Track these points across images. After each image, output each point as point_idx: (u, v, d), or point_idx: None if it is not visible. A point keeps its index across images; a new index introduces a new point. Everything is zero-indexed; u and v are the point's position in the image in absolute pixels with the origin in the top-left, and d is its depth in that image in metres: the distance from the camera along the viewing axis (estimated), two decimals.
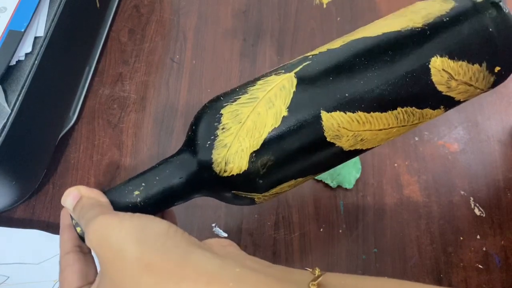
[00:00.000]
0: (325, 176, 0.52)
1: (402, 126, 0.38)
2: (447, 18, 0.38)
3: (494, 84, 0.39)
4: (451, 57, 0.37)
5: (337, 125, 0.36)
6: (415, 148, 0.55)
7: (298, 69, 0.37)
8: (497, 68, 0.38)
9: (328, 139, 0.36)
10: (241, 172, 0.35)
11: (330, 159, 0.38)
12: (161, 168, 0.37)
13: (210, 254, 0.29)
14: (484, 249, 0.49)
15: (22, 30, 0.46)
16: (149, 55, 0.61)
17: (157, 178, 0.36)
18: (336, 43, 0.38)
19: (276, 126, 0.36)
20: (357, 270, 0.48)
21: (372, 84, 0.36)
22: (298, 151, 0.36)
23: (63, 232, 0.36)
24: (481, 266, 0.48)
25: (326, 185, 0.52)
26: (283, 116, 0.36)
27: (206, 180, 0.37)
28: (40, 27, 0.48)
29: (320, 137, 0.36)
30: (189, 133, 0.38)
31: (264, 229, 0.50)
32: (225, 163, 0.36)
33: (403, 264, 0.48)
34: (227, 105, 0.36)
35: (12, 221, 0.50)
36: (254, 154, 0.35)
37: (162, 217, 0.40)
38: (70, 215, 0.36)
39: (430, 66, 0.36)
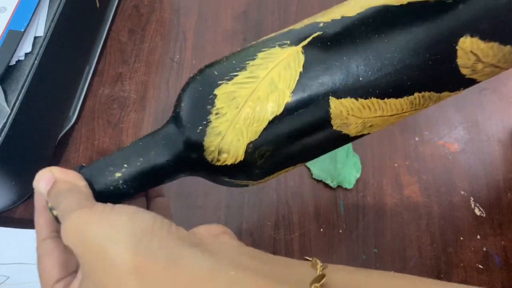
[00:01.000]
0: (325, 176, 0.52)
1: (415, 110, 0.34)
2: None
3: None
4: (482, 37, 0.32)
5: (346, 112, 0.32)
6: (415, 148, 0.55)
7: (306, 41, 0.32)
8: None
9: (334, 128, 0.32)
10: (236, 163, 0.32)
11: (333, 145, 0.35)
12: (145, 147, 0.33)
13: (201, 254, 0.26)
14: (484, 249, 0.49)
15: (22, 30, 0.46)
16: (149, 55, 0.61)
17: (140, 159, 0.32)
18: (352, 8, 0.33)
19: (278, 113, 0.31)
20: None
21: (391, 67, 0.32)
22: (299, 140, 0.33)
23: (38, 216, 0.32)
24: (481, 266, 0.48)
25: (326, 185, 0.52)
26: (287, 102, 0.31)
27: (195, 164, 0.33)
28: (40, 27, 0.48)
29: (326, 125, 0.32)
30: (177, 110, 0.33)
31: (264, 229, 0.50)
32: (219, 152, 0.32)
33: (403, 264, 0.48)
34: (222, 83, 0.32)
35: (12, 221, 0.50)
36: (251, 145, 0.32)
37: (151, 206, 0.36)
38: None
39: (457, 47, 0.32)
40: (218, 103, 0.31)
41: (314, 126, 0.32)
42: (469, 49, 0.32)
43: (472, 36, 0.32)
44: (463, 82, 0.34)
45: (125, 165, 0.32)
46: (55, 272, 0.30)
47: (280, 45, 0.32)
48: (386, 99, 0.32)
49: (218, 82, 0.32)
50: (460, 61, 0.32)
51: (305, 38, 0.32)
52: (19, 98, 0.45)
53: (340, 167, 0.51)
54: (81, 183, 0.31)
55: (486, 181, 0.53)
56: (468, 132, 0.56)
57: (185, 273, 0.25)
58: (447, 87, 0.34)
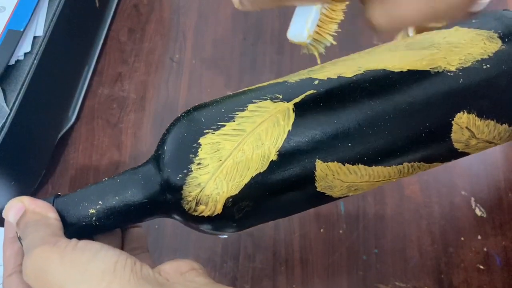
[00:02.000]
0: None
1: (403, 176, 0.33)
2: (488, 65, 0.32)
3: None
4: (480, 115, 0.31)
5: (332, 176, 0.31)
6: None
7: (299, 99, 0.31)
8: None
9: (318, 189, 0.32)
10: (213, 215, 0.31)
11: (315, 204, 0.34)
12: (123, 185, 0.32)
13: None
14: (485, 249, 0.49)
15: (21, 30, 0.46)
16: (149, 55, 0.61)
17: (116, 197, 0.31)
18: (349, 68, 0.33)
19: (262, 171, 0.30)
20: (358, 271, 0.48)
21: (382, 137, 0.31)
22: (281, 198, 0.31)
23: (5, 248, 0.31)
24: (482, 267, 0.48)
25: None
26: (271, 160, 0.30)
27: (172, 209, 0.32)
28: (39, 27, 0.48)
29: (310, 186, 0.31)
30: (159, 151, 0.32)
31: (264, 229, 0.50)
32: (196, 203, 0.31)
33: (404, 264, 0.48)
34: (208, 133, 0.31)
35: None
36: (231, 199, 0.30)
37: (125, 237, 0.35)
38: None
39: (453, 122, 0.31)
40: (201, 153, 0.30)
41: (297, 186, 0.31)
42: (465, 125, 0.32)
43: (469, 112, 0.31)
44: (454, 155, 0.33)
45: (100, 202, 0.31)
46: None
47: (271, 99, 0.31)
48: (374, 167, 0.31)
49: (204, 131, 0.31)
50: (454, 136, 0.32)
51: (298, 95, 0.31)
52: (19, 98, 0.44)
53: None
54: (52, 215, 0.30)
55: (487, 181, 0.53)
56: None
57: None
58: (438, 159, 0.33)
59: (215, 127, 0.31)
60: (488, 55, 0.32)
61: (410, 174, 0.33)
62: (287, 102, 0.31)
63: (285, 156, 0.30)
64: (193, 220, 0.32)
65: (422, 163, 0.32)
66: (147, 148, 0.54)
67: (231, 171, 0.30)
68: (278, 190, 0.31)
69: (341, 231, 0.50)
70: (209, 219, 0.31)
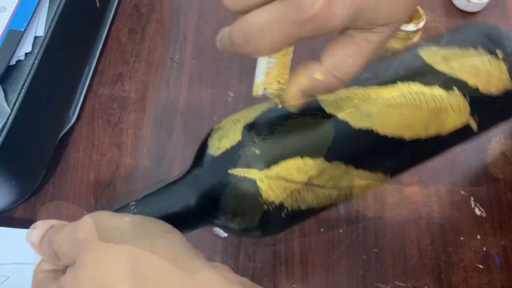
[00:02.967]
0: None
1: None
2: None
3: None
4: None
5: (335, 101, 0.35)
6: None
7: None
8: None
9: (327, 111, 0.35)
10: (235, 144, 0.34)
11: (337, 136, 0.35)
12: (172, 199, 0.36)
13: (216, 272, 0.28)
14: (484, 249, 0.49)
15: (22, 30, 0.46)
16: (149, 55, 0.61)
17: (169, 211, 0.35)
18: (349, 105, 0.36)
19: (271, 106, 0.36)
20: (358, 270, 0.48)
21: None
22: (295, 121, 0.35)
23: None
24: (481, 266, 0.48)
25: None
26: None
27: (202, 174, 0.35)
28: (40, 27, 0.48)
29: (316, 109, 0.35)
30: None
31: None
32: (219, 140, 0.35)
33: (404, 264, 0.48)
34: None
35: (12, 221, 0.50)
36: (248, 126, 0.34)
37: None
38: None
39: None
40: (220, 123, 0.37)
41: (305, 110, 0.34)
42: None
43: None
44: None
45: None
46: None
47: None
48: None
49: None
50: None
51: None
52: (19, 98, 0.44)
53: None
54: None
55: (486, 181, 0.53)
56: None
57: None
58: None
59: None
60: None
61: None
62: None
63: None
64: (220, 164, 0.34)
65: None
66: (147, 148, 0.54)
67: (245, 113, 0.36)
68: (289, 113, 0.35)
69: (341, 231, 0.50)
70: (232, 152, 0.34)
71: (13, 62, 0.45)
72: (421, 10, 0.53)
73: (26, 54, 0.46)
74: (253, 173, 0.33)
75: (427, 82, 0.37)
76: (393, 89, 0.36)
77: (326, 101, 0.35)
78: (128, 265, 0.26)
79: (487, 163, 0.54)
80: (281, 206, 0.34)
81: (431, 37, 0.47)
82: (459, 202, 0.52)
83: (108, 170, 0.53)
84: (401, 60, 0.38)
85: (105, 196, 0.51)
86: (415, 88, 0.36)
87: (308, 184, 0.34)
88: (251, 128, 0.34)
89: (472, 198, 0.52)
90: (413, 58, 0.38)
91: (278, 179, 0.33)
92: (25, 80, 0.45)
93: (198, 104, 0.57)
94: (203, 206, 0.35)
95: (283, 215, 0.34)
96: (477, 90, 0.37)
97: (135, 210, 0.34)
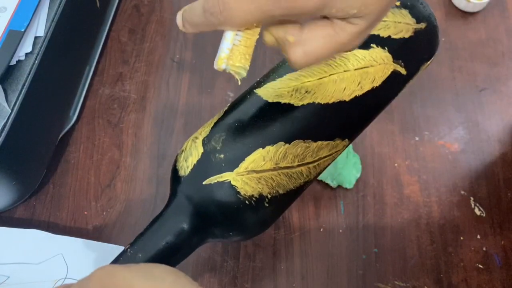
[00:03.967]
0: (325, 176, 0.52)
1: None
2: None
3: None
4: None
5: (272, 89, 0.38)
6: (416, 148, 0.55)
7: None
8: None
9: (270, 100, 0.38)
10: (200, 157, 0.36)
11: (286, 119, 0.38)
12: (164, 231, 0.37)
13: None
14: (484, 249, 0.49)
15: (22, 30, 0.46)
16: (149, 55, 0.61)
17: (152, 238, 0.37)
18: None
19: (221, 115, 0.39)
20: (358, 270, 0.48)
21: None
22: (244, 119, 0.37)
23: None
24: (481, 266, 0.48)
25: (326, 185, 0.52)
26: (225, 110, 0.40)
27: (181, 198, 0.37)
28: (40, 27, 0.48)
29: (259, 102, 0.38)
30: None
31: None
32: (185, 160, 0.37)
33: (403, 263, 0.48)
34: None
35: (12, 221, 0.50)
36: (206, 138, 0.37)
37: None
38: None
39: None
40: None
41: (249, 106, 0.38)
42: None
43: None
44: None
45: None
46: None
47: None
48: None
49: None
50: None
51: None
52: (20, 98, 0.44)
53: (340, 167, 0.51)
54: None
55: (486, 181, 0.53)
56: (468, 132, 0.56)
57: None
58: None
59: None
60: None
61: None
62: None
63: (231, 104, 0.40)
64: (194, 179, 0.37)
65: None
66: (147, 148, 0.55)
67: (201, 128, 0.39)
68: (239, 115, 0.38)
69: (340, 231, 0.50)
70: (200, 165, 0.36)
71: (13, 62, 0.45)
72: None
73: (27, 54, 0.46)
74: (225, 176, 0.35)
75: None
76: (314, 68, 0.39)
77: (268, 95, 0.38)
78: None
79: (487, 163, 0.54)
80: (261, 196, 0.36)
81: None
82: (459, 202, 0.52)
83: (108, 170, 0.53)
84: None
85: (105, 196, 0.51)
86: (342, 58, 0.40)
87: (277, 168, 0.36)
88: (209, 138, 0.37)
89: (472, 198, 0.52)
90: None
91: (249, 173, 0.36)
92: (26, 80, 0.45)
93: (198, 104, 0.57)
94: (194, 226, 0.37)
95: (266, 204, 0.36)
96: (391, 38, 0.41)
97: (131, 252, 0.36)
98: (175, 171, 0.38)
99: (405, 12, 0.42)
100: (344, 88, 0.39)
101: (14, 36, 0.46)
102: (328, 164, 0.40)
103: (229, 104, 0.40)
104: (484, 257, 0.49)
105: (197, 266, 0.48)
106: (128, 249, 0.37)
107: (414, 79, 0.43)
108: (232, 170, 0.35)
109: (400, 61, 0.41)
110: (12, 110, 0.44)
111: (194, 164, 0.36)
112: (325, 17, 0.29)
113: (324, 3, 0.27)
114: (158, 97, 0.58)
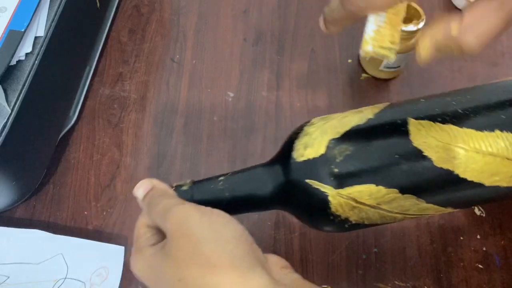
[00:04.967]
0: None
1: (501, 156, 0.35)
2: None
3: None
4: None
5: (425, 133, 0.34)
6: None
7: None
8: None
9: (414, 144, 0.34)
10: (317, 156, 0.35)
11: (417, 172, 0.35)
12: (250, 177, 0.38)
13: (269, 279, 0.30)
14: (484, 249, 0.49)
15: (23, 30, 0.46)
16: (149, 55, 0.61)
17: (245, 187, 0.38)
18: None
19: (360, 123, 0.36)
20: (358, 270, 0.48)
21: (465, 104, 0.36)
22: (378, 148, 0.35)
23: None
24: (481, 266, 0.48)
25: None
26: (369, 118, 0.36)
27: (282, 171, 0.37)
28: (40, 27, 0.48)
29: (403, 139, 0.35)
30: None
31: (265, 228, 0.50)
32: (304, 147, 0.36)
33: (403, 263, 0.48)
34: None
35: (12, 221, 0.50)
36: (333, 141, 0.35)
37: None
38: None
39: None
40: (312, 120, 0.39)
41: (392, 137, 0.35)
42: None
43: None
44: None
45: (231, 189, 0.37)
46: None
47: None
48: (465, 129, 0.35)
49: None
50: None
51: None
52: (20, 98, 0.45)
53: None
54: (171, 192, 0.37)
55: None
56: None
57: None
58: None
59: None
60: None
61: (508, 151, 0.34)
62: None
63: (381, 115, 0.36)
64: (300, 170, 0.36)
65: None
66: (147, 148, 0.55)
67: (334, 125, 0.36)
68: (374, 138, 0.35)
69: None
70: (313, 162, 0.35)
71: (13, 62, 0.45)
72: (421, 11, 0.53)
73: (27, 54, 0.46)
74: (327, 189, 0.35)
75: None
76: (488, 136, 0.35)
77: (415, 132, 0.35)
78: (198, 263, 0.31)
79: None
80: (346, 219, 0.36)
81: None
82: None
83: (108, 170, 0.53)
84: (509, 99, 0.37)
85: (105, 196, 0.51)
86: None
87: (376, 207, 0.36)
88: (336, 143, 0.35)
89: None
90: None
91: (348, 199, 0.35)
92: (26, 80, 0.45)
93: (198, 104, 0.57)
94: (278, 195, 0.37)
95: (346, 226, 0.37)
96: None
97: (224, 185, 0.37)
98: (290, 145, 0.37)
99: None
100: (492, 174, 0.35)
101: (14, 36, 0.46)
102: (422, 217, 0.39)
103: (383, 108, 0.37)
104: (484, 257, 0.49)
105: None
106: (221, 182, 0.37)
107: None
108: (335, 188, 0.35)
109: None
110: (12, 110, 0.44)
111: (309, 159, 0.35)
112: None
113: None
114: (158, 97, 0.58)
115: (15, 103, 0.44)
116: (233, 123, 0.56)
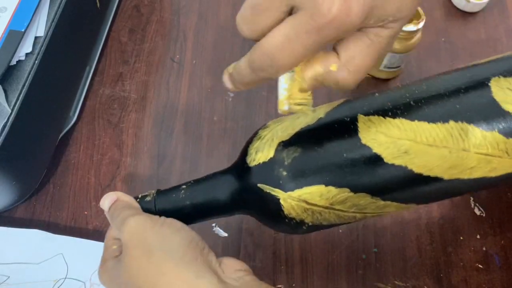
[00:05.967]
0: None
1: (455, 148, 0.33)
2: None
3: None
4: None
5: (375, 129, 0.33)
6: None
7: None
8: None
9: (363, 141, 0.33)
10: (267, 160, 0.35)
11: (367, 170, 0.34)
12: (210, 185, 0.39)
13: (217, 283, 0.32)
14: (484, 248, 0.49)
15: (23, 30, 0.46)
16: (149, 55, 0.61)
17: (204, 195, 0.39)
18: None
19: (310, 123, 0.36)
20: (357, 270, 0.48)
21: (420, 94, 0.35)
22: (326, 147, 0.34)
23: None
24: (481, 266, 0.48)
25: None
26: (320, 117, 0.36)
27: (237, 177, 0.38)
28: (40, 27, 0.48)
29: (353, 137, 0.34)
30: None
31: (265, 228, 0.50)
32: (256, 151, 0.36)
33: (403, 263, 0.48)
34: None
35: (12, 221, 0.50)
36: (282, 144, 0.35)
37: None
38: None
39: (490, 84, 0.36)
40: (268, 123, 0.39)
41: (341, 135, 0.34)
42: (506, 86, 0.33)
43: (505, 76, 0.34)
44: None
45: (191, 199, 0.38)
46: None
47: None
48: (416, 121, 0.33)
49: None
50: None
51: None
52: (20, 98, 0.45)
53: None
54: (136, 204, 0.39)
55: None
56: None
57: None
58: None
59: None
60: None
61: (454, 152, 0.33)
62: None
63: (332, 113, 0.36)
64: (252, 174, 0.36)
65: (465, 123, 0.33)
66: (147, 148, 0.55)
67: (286, 126, 0.36)
68: (322, 138, 0.35)
69: (340, 230, 0.50)
70: (264, 167, 0.36)
71: (13, 62, 0.45)
72: (420, 11, 0.53)
73: (27, 54, 0.46)
74: (278, 192, 0.35)
75: (487, 126, 0.33)
76: (441, 128, 0.33)
77: (364, 129, 0.34)
78: (153, 272, 0.33)
79: None
80: (301, 222, 0.36)
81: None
82: (459, 202, 0.52)
83: (109, 170, 0.53)
84: (465, 87, 0.35)
85: None
86: (467, 131, 0.33)
87: (330, 208, 0.35)
88: (284, 147, 0.35)
89: (471, 198, 0.52)
90: (479, 90, 0.35)
91: (299, 201, 0.35)
92: (26, 80, 0.45)
93: (198, 104, 0.57)
94: (236, 201, 0.38)
95: (303, 227, 0.37)
96: None
97: (185, 194, 0.38)
98: (245, 150, 0.38)
99: None
100: (450, 167, 0.33)
101: (14, 36, 0.46)
102: (388, 214, 0.39)
103: (336, 106, 0.36)
104: (483, 257, 0.49)
105: None
106: (182, 190, 0.38)
107: None
108: (285, 191, 0.35)
109: None
110: (12, 110, 0.44)
111: (259, 163, 0.36)
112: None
113: (366, 15, 0.27)
114: (158, 97, 0.58)
115: (15, 103, 0.44)
116: (233, 123, 0.56)
